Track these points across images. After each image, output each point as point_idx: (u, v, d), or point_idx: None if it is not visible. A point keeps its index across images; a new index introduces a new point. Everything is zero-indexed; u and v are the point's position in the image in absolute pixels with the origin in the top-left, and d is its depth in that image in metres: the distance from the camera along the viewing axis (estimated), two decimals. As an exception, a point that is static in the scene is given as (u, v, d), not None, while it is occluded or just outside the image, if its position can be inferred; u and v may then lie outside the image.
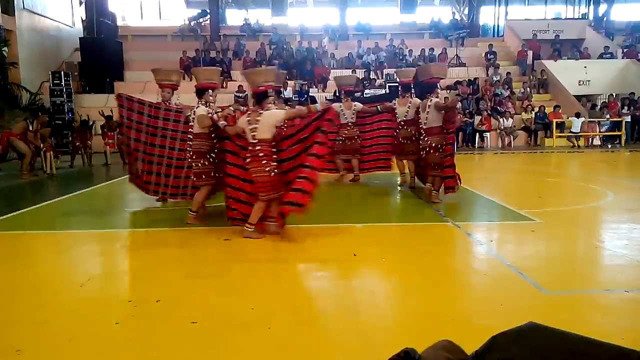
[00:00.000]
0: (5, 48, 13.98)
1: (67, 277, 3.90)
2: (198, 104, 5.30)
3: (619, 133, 15.94)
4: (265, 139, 4.74)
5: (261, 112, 4.79)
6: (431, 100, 6.33)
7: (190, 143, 5.31)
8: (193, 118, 5.26)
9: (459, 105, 6.38)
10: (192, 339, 2.66)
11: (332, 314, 2.99)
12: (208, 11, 22.12)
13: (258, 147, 4.73)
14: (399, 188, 7.74)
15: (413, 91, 7.50)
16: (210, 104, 5.37)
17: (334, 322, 2.89)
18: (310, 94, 16.45)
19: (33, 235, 5.25)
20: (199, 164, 5.27)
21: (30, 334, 2.77)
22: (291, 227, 5.15)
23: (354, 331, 2.75)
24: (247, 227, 4.85)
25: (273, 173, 4.73)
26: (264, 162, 4.71)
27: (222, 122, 5.01)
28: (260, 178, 4.73)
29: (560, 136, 15.71)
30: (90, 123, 12.96)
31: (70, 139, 12.58)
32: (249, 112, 4.96)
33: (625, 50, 19.31)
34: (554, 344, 0.99)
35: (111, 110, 12.16)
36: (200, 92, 5.31)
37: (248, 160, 4.78)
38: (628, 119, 16.08)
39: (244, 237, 4.79)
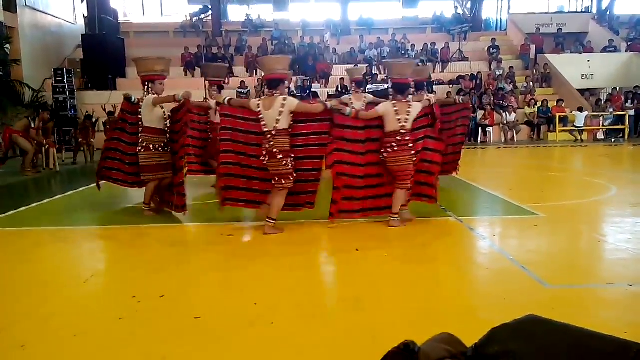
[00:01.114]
0: (7, 45, 13.99)
1: (71, 273, 3.92)
2: (275, 95, 4.75)
3: (622, 127, 15.88)
4: (410, 129, 4.94)
5: (410, 103, 4.98)
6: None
7: (272, 142, 4.70)
8: (281, 111, 4.68)
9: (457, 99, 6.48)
10: (196, 334, 2.67)
11: (335, 309, 3.00)
12: (210, 7, 22.07)
13: (407, 137, 4.91)
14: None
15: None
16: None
17: (336, 316, 2.90)
18: (312, 90, 16.44)
19: (37, 232, 5.27)
20: (285, 163, 4.73)
21: (34, 329, 2.79)
22: (293, 222, 5.17)
23: (356, 325, 2.76)
24: (392, 217, 5.01)
25: (413, 161, 4.98)
26: (412, 152, 4.93)
27: (349, 110, 4.96)
28: (404, 167, 4.92)
29: (563, 130, 15.66)
30: (94, 120, 12.97)
31: (73, 135, 12.58)
32: (394, 101, 4.98)
33: (629, 43, 19.20)
34: (554, 336, 0.99)
35: (113, 107, 12.16)
36: (276, 83, 4.79)
37: (393, 150, 4.90)
38: (632, 112, 16.01)
39: (389, 226, 4.97)
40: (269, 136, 4.73)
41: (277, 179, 4.78)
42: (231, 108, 5.05)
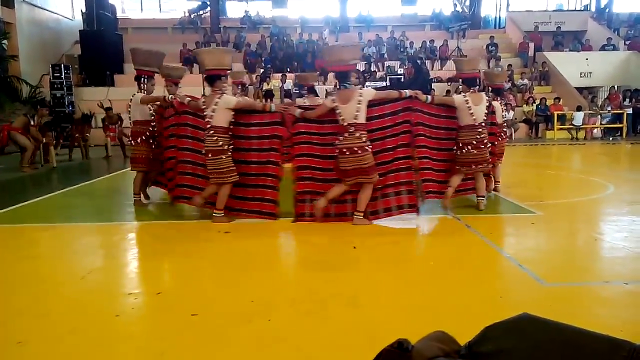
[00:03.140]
0: (5, 41, 13.96)
1: (68, 270, 3.92)
2: (478, 91, 5.56)
3: (620, 125, 15.90)
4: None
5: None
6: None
7: (483, 133, 5.37)
8: (487, 106, 5.48)
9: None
10: (193, 331, 2.67)
11: (332, 306, 3.00)
12: (208, 3, 22.04)
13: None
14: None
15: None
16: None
17: (333, 314, 2.90)
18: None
19: (34, 228, 5.27)
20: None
21: (31, 325, 2.79)
22: (289, 220, 5.16)
23: (353, 323, 2.76)
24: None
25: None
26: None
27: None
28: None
29: (561, 128, 15.67)
30: (90, 115, 12.91)
31: (68, 131, 12.54)
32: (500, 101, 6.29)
33: (627, 42, 19.21)
34: (547, 335, 0.99)
35: (110, 102, 12.11)
36: (474, 81, 5.58)
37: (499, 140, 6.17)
38: (630, 111, 16.03)
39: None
40: (480, 129, 5.33)
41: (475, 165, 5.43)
42: (429, 105, 5.32)
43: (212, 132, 4.93)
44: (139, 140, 5.83)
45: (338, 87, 5.04)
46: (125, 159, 11.16)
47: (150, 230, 5.12)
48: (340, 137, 4.84)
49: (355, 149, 4.78)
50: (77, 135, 11.96)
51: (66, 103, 14.83)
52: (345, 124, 4.82)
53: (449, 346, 1.09)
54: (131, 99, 5.84)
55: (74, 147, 11.99)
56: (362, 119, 4.85)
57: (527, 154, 12.35)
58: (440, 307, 2.98)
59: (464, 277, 3.63)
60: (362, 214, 5.00)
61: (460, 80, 5.89)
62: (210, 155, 4.96)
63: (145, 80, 5.86)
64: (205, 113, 5.00)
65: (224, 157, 4.94)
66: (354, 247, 4.24)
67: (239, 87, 7.71)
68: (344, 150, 4.80)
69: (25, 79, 14.34)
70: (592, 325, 1.07)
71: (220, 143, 4.92)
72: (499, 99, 6.28)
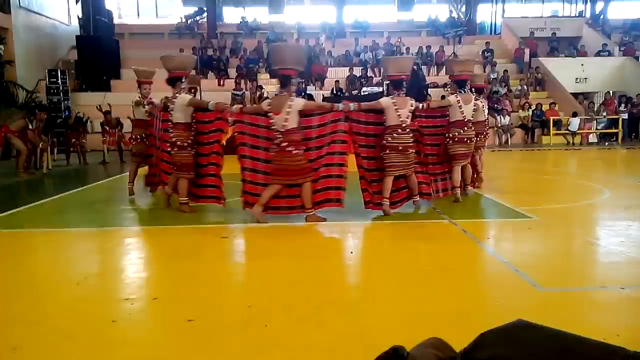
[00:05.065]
0: (1, 46, 13.94)
1: (63, 275, 3.90)
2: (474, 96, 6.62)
3: (615, 131, 15.97)
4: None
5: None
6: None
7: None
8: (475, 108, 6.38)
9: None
10: (189, 337, 2.66)
11: (329, 312, 3.00)
12: (205, 9, 22.09)
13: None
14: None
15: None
16: None
17: (330, 319, 2.90)
18: (307, 92, 16.45)
19: (30, 234, 5.24)
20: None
21: (26, 331, 2.77)
22: (288, 225, 5.16)
23: (349, 328, 2.76)
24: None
25: None
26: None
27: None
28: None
29: (557, 134, 15.73)
30: (85, 119, 12.87)
31: (65, 136, 12.48)
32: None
33: (622, 47, 19.33)
34: (542, 341, 1.00)
35: (109, 105, 12.05)
36: (481, 90, 7.31)
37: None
38: (625, 116, 16.11)
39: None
40: (486, 125, 7.23)
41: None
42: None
43: (408, 130, 5.49)
44: None
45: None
46: (122, 165, 11.14)
47: (146, 236, 5.11)
48: (461, 130, 6.02)
49: (473, 139, 6.18)
50: (73, 140, 11.91)
51: (63, 108, 14.78)
52: (466, 119, 6.09)
53: (445, 353, 1.09)
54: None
55: (71, 152, 11.95)
56: None
57: (523, 159, 12.38)
58: (435, 313, 2.98)
59: (460, 282, 3.63)
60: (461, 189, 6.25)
61: (474, 90, 6.85)
62: (410, 151, 5.50)
63: (292, 81, 5.17)
64: (399, 113, 5.40)
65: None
66: (351, 252, 4.24)
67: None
68: (465, 139, 6.03)
69: (22, 84, 14.32)
70: (588, 331, 1.08)
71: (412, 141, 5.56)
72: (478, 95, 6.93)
